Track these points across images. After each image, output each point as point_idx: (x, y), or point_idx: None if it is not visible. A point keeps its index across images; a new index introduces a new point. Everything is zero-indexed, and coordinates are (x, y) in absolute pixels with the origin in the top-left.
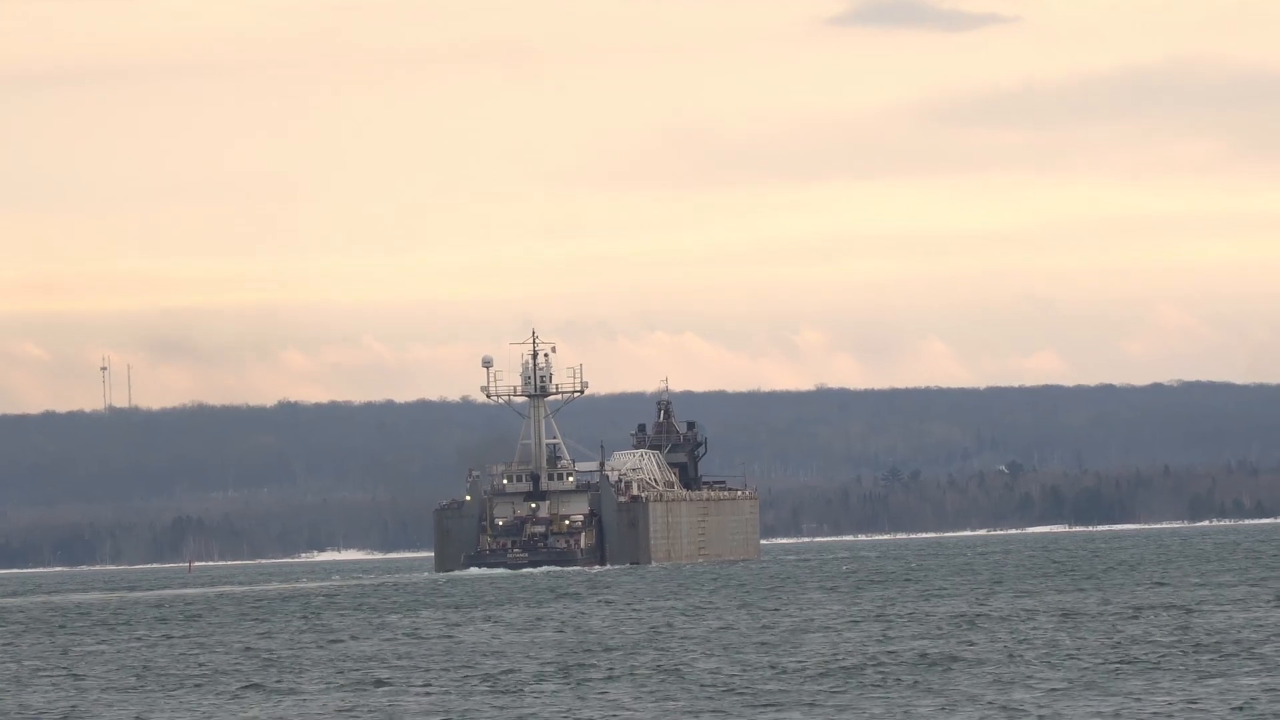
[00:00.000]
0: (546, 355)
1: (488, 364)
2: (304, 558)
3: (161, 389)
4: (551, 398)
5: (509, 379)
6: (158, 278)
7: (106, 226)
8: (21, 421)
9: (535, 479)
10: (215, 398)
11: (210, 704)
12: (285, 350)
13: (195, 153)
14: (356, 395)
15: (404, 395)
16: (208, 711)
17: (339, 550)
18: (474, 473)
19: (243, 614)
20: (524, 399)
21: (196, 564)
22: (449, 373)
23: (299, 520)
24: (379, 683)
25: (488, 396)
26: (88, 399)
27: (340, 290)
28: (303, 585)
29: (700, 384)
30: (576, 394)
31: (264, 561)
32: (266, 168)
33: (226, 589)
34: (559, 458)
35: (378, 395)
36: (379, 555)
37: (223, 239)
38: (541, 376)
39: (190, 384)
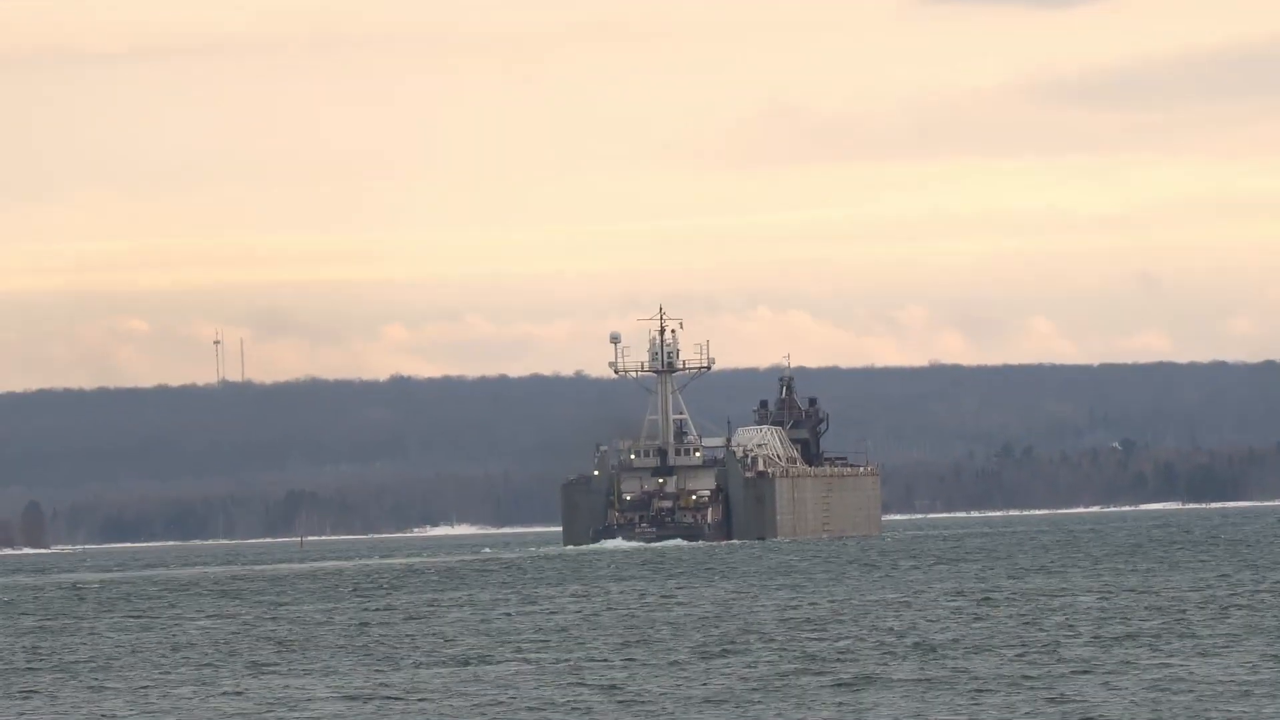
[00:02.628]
0: (674, 331)
1: (616, 340)
2: (417, 532)
3: (271, 363)
4: (678, 373)
5: (636, 355)
6: (259, 253)
7: (208, 202)
8: (134, 395)
9: (663, 454)
10: (326, 372)
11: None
12: (389, 325)
13: (297, 127)
14: (467, 370)
15: (515, 370)
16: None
17: (452, 525)
18: (602, 447)
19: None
20: (651, 374)
21: (309, 539)
22: (556, 348)
23: (412, 494)
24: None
25: (615, 372)
26: (199, 373)
27: (441, 266)
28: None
29: (809, 360)
30: (704, 370)
31: (376, 536)
32: (368, 142)
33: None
34: (686, 433)
35: (489, 370)
36: (492, 530)
37: (322, 213)
38: (669, 352)
39: (299, 359)
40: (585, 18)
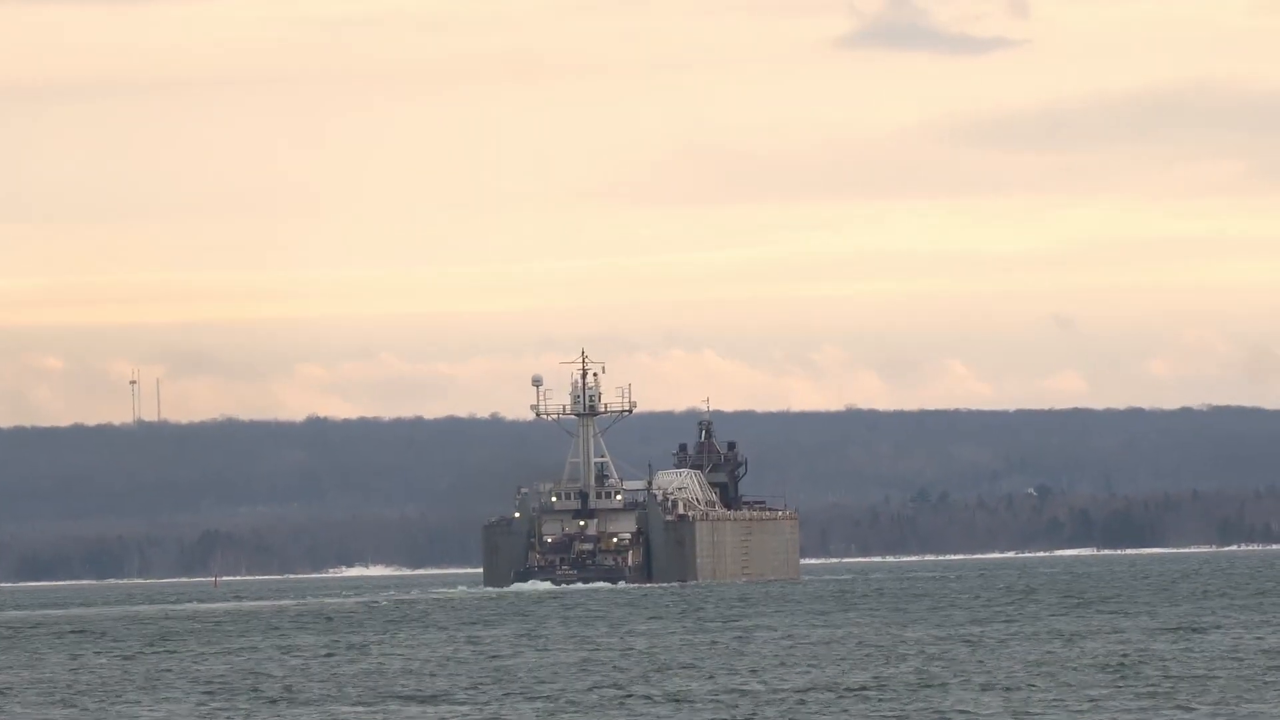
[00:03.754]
0: (595, 374)
1: (538, 382)
2: (332, 573)
3: (186, 403)
4: (599, 416)
5: (557, 397)
6: (172, 291)
7: (122, 239)
8: (50, 434)
9: (584, 497)
10: (242, 412)
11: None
12: (304, 364)
13: (210, 164)
14: (383, 411)
15: (431, 411)
16: None
17: (367, 566)
18: (523, 490)
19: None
20: (572, 417)
21: (223, 579)
22: (471, 389)
23: (328, 535)
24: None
25: (537, 415)
26: (115, 412)
27: (355, 304)
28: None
29: (725, 403)
30: (626, 413)
31: (292, 577)
32: (281, 180)
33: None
34: (607, 476)
35: (405, 411)
36: (408, 571)
37: (236, 251)
38: (591, 395)
39: (214, 397)
40: (500, 53)
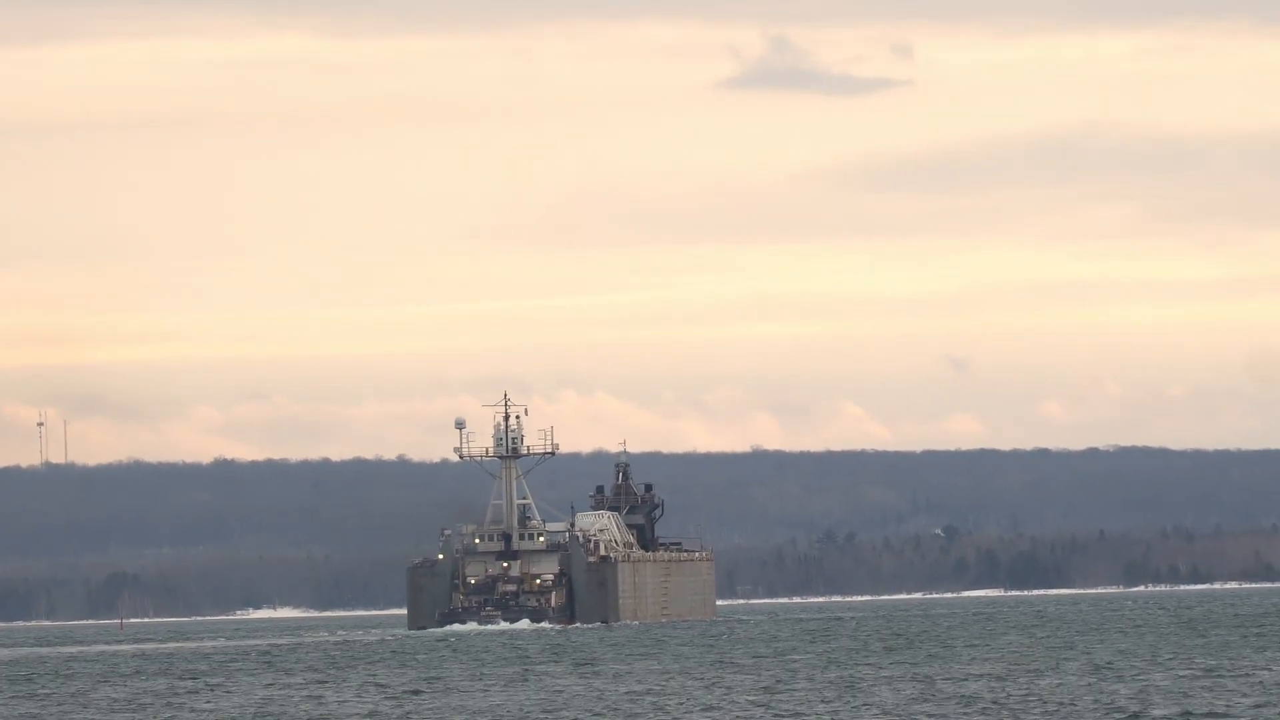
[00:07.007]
0: (518, 417)
1: (461, 425)
2: (239, 615)
3: (86, 445)
4: (522, 458)
5: (477, 440)
6: (62, 333)
7: (9, 281)
8: None
9: (507, 538)
10: (144, 454)
11: None
12: (198, 407)
13: (100, 208)
14: (289, 453)
15: (337, 453)
16: None
17: (274, 608)
18: (446, 531)
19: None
20: (495, 459)
21: (129, 620)
22: (372, 430)
23: (234, 577)
24: None
25: (461, 457)
26: (21, 455)
27: (244, 347)
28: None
29: (629, 444)
30: (549, 455)
31: (199, 619)
32: (173, 221)
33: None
34: (529, 518)
35: (310, 453)
36: (315, 613)
37: (121, 295)
38: (514, 438)
39: (112, 441)
40: (395, 97)
